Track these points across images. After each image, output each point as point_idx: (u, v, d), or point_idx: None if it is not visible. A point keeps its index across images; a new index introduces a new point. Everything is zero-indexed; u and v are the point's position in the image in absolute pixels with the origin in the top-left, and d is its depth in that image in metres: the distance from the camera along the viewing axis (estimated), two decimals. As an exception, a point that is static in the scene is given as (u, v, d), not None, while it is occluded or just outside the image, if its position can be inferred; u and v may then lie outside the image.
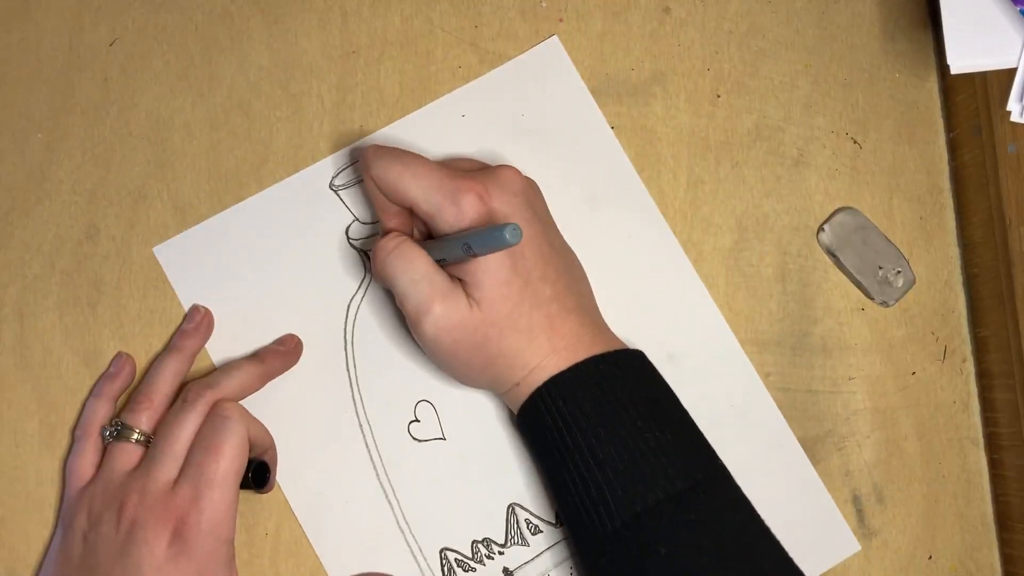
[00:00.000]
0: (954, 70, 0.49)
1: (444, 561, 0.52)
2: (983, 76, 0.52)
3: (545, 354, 0.47)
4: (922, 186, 0.56)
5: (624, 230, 0.54)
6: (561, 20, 0.56)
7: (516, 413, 0.49)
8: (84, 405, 0.53)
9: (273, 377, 0.52)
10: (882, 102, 0.56)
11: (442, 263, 0.47)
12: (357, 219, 0.54)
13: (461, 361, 0.48)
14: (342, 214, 0.54)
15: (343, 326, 0.54)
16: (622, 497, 0.44)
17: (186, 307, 0.54)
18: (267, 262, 0.54)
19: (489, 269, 0.46)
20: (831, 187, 0.56)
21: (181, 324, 0.53)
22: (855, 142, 0.56)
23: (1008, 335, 0.51)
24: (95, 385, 0.53)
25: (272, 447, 0.52)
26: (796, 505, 0.53)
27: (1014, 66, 0.49)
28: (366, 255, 0.54)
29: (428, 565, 0.52)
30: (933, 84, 0.57)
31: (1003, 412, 0.53)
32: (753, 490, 0.52)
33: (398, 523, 0.52)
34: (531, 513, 0.52)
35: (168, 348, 0.53)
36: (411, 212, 0.49)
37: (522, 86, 0.55)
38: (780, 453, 0.53)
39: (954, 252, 0.56)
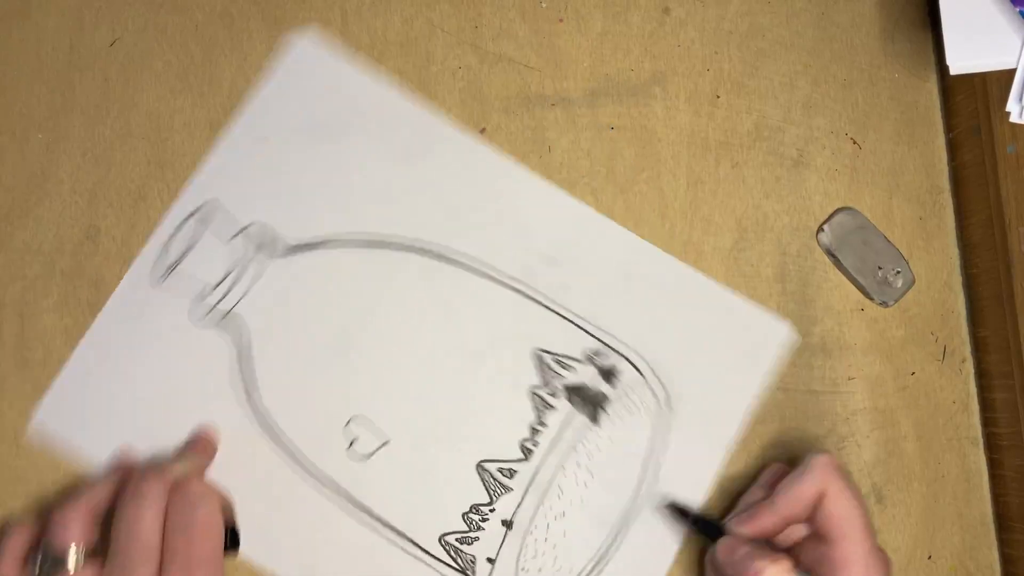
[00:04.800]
0: (954, 71, 0.49)
1: (447, 547, 0.52)
2: (983, 76, 0.52)
3: None
4: (922, 186, 0.56)
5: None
6: (561, 20, 0.56)
7: None
8: None
9: (207, 466, 0.51)
10: (882, 102, 0.56)
11: None
12: (193, 299, 0.53)
13: None
14: (177, 304, 0.53)
15: (243, 395, 0.52)
16: None
17: (95, 464, 0.51)
18: (136, 380, 0.52)
19: None
20: (831, 187, 0.56)
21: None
22: (855, 142, 0.56)
23: (1008, 335, 0.51)
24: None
25: (231, 507, 0.51)
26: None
27: (1014, 66, 0.49)
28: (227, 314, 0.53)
29: (435, 558, 0.52)
30: (933, 84, 0.57)
31: (1003, 412, 0.53)
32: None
33: (391, 540, 0.52)
34: (499, 461, 0.52)
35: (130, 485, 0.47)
36: (787, 527, 0.48)
37: (297, 91, 0.55)
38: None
39: (954, 252, 0.56)
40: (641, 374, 0.53)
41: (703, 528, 0.50)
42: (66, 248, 0.54)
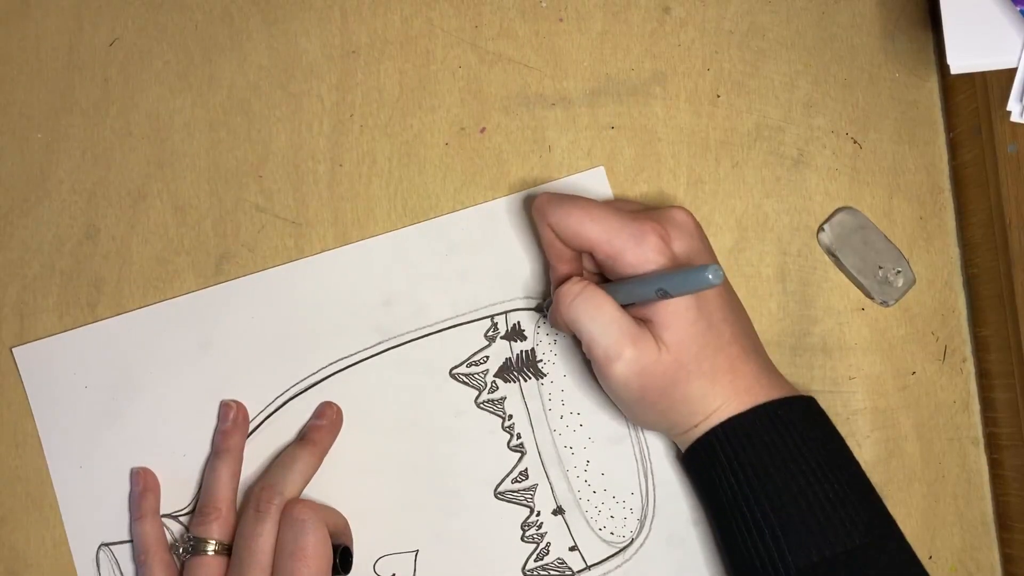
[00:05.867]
0: (954, 70, 0.49)
1: (535, 572, 0.52)
2: (983, 76, 0.52)
3: (726, 397, 0.47)
4: (922, 186, 0.56)
5: None
6: (561, 20, 0.56)
7: (685, 451, 0.49)
8: (130, 531, 0.52)
9: (326, 453, 0.52)
10: (882, 102, 0.56)
11: (624, 307, 0.47)
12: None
13: (647, 404, 0.47)
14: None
15: None
16: (798, 545, 0.44)
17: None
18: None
19: (677, 311, 0.46)
20: (831, 187, 0.56)
21: (217, 424, 0.53)
22: (855, 142, 0.56)
23: (1008, 335, 0.51)
24: (131, 509, 0.52)
25: (347, 527, 0.51)
26: None
27: (1014, 66, 0.49)
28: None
29: None
30: (933, 84, 0.57)
31: (1003, 412, 0.53)
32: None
33: None
34: (507, 477, 0.53)
35: (215, 452, 0.52)
36: (580, 259, 0.50)
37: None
38: None
39: (954, 252, 0.56)
40: (532, 309, 0.54)
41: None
42: (66, 248, 0.54)
